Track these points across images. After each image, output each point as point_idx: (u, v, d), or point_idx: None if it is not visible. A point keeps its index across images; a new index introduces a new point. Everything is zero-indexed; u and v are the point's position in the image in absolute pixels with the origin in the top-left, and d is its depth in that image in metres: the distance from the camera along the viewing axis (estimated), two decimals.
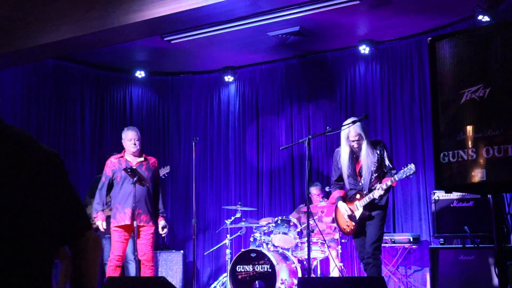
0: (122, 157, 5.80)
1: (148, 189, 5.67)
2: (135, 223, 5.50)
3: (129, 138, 5.79)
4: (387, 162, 5.04)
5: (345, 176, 5.17)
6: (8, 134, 1.72)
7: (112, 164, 5.79)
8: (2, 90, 7.74)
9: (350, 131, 5.03)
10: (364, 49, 7.79)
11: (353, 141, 5.05)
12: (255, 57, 8.53)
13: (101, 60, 8.52)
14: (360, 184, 5.10)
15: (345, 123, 5.12)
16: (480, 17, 6.64)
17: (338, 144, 8.04)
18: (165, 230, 5.79)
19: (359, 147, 5.06)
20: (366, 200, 5.00)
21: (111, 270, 5.60)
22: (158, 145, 9.27)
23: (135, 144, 5.77)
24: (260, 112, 8.84)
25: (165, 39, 7.39)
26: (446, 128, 2.50)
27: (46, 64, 8.17)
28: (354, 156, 5.15)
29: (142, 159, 5.82)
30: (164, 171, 6.50)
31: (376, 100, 7.94)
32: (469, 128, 2.42)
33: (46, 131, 8.12)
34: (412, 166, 4.85)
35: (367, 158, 5.02)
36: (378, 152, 5.05)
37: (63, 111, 8.37)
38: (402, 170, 4.88)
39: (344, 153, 5.15)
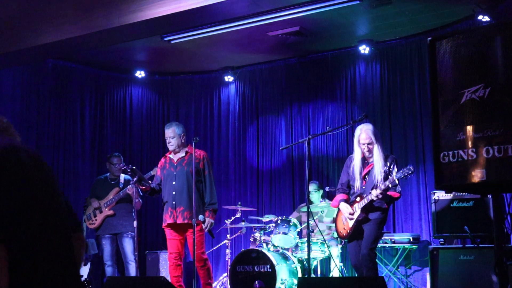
0: (166, 156, 5.71)
1: (189, 185, 5.43)
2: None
3: (166, 137, 5.65)
4: (394, 176, 4.98)
5: (356, 177, 5.11)
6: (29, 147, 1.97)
7: (161, 164, 5.71)
8: (2, 90, 7.74)
9: (361, 133, 4.99)
10: (364, 49, 7.79)
11: (364, 144, 5.00)
12: (255, 57, 8.53)
13: (101, 60, 8.52)
14: (363, 188, 5.07)
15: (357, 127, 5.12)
16: (480, 17, 6.64)
17: (338, 144, 8.10)
18: (205, 224, 5.39)
19: (370, 151, 5.01)
20: (364, 201, 4.98)
21: (172, 269, 5.50)
22: (158, 145, 9.27)
23: (169, 143, 5.60)
24: (260, 112, 8.85)
25: (165, 39, 7.39)
26: (446, 128, 2.50)
27: (46, 64, 8.17)
28: (365, 162, 5.12)
29: (183, 154, 5.60)
30: None
31: (376, 100, 7.94)
32: (469, 128, 2.41)
33: (46, 131, 8.13)
34: (410, 167, 4.83)
35: (378, 163, 4.95)
36: (389, 164, 5.00)
37: (63, 111, 8.37)
38: (401, 170, 4.86)
39: (356, 156, 5.10)
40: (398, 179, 4.85)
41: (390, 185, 4.85)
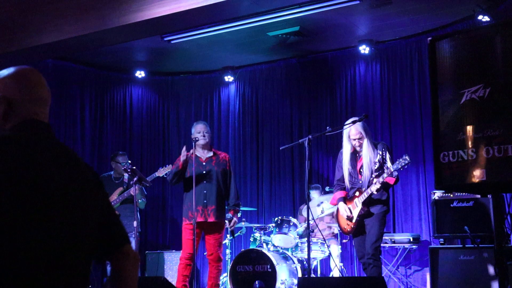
0: (192, 153, 5.62)
1: (219, 185, 5.53)
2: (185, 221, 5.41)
3: (198, 130, 5.63)
4: (389, 164, 5.01)
5: (346, 174, 5.18)
6: (61, 149, 1.79)
7: (186, 156, 5.60)
8: None
9: (351, 129, 5.06)
10: (364, 49, 7.79)
11: (354, 139, 5.06)
12: (255, 57, 8.53)
13: (101, 60, 8.52)
14: (360, 182, 5.11)
15: (346, 123, 5.14)
16: (480, 17, 6.64)
17: (338, 144, 8.07)
18: (232, 223, 5.61)
19: (360, 146, 5.08)
20: (364, 195, 5.00)
21: (181, 268, 5.43)
22: (158, 145, 9.27)
23: (204, 137, 5.60)
24: (260, 112, 8.85)
25: (165, 39, 7.40)
26: (446, 128, 2.50)
27: (46, 64, 8.17)
28: (357, 155, 5.17)
29: (211, 154, 5.67)
30: (166, 170, 6.48)
31: (376, 100, 7.94)
32: (469, 128, 2.41)
33: None
34: (406, 157, 4.85)
35: (368, 156, 5.03)
36: (380, 152, 5.04)
37: (63, 111, 8.37)
38: (397, 161, 4.88)
39: (346, 152, 5.17)
40: (395, 170, 4.88)
41: (386, 175, 4.88)
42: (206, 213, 5.43)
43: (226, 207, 5.65)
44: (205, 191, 5.48)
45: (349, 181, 5.18)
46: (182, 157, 5.52)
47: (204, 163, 5.59)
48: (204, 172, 5.55)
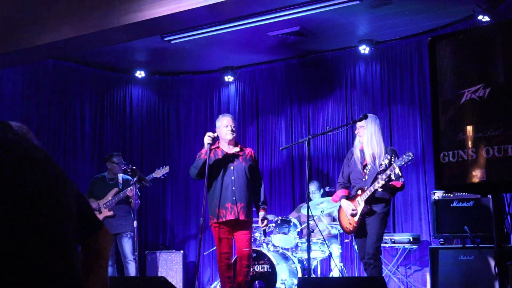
0: (218, 147, 5.31)
1: (248, 181, 5.27)
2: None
3: (225, 124, 5.32)
4: (397, 170, 4.98)
5: (357, 169, 5.17)
6: (26, 146, 1.75)
7: (206, 151, 5.24)
8: (2, 90, 7.74)
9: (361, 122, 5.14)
10: (364, 49, 7.79)
11: (359, 127, 5.13)
12: (255, 57, 8.53)
13: (101, 60, 8.52)
14: (364, 180, 5.10)
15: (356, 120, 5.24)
16: (480, 17, 6.64)
17: (338, 144, 8.10)
18: (265, 222, 5.39)
19: (362, 135, 5.14)
20: (367, 193, 4.98)
21: (223, 270, 5.15)
22: (158, 145, 9.27)
23: (232, 131, 5.30)
24: (260, 112, 8.85)
25: (165, 39, 7.40)
26: (446, 128, 2.50)
27: (46, 64, 8.17)
28: (364, 153, 5.19)
29: (238, 149, 5.36)
30: (163, 171, 6.49)
31: (376, 100, 7.94)
32: (469, 128, 2.41)
33: (46, 130, 8.13)
34: (410, 153, 4.84)
35: (369, 144, 5.05)
36: (389, 156, 5.02)
37: (63, 111, 8.37)
38: (401, 158, 4.87)
39: (356, 148, 5.21)
40: (399, 167, 4.87)
41: (391, 173, 4.86)
42: (236, 211, 5.15)
43: (260, 204, 5.41)
44: (233, 188, 5.19)
45: (355, 177, 5.18)
46: (207, 145, 5.16)
47: (231, 158, 5.31)
48: (232, 168, 5.27)
